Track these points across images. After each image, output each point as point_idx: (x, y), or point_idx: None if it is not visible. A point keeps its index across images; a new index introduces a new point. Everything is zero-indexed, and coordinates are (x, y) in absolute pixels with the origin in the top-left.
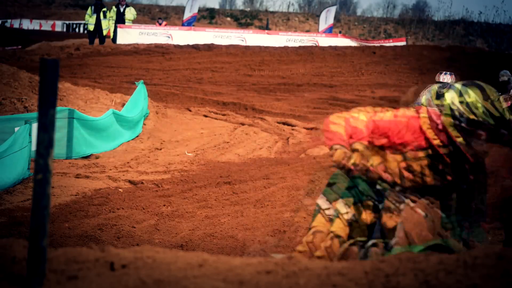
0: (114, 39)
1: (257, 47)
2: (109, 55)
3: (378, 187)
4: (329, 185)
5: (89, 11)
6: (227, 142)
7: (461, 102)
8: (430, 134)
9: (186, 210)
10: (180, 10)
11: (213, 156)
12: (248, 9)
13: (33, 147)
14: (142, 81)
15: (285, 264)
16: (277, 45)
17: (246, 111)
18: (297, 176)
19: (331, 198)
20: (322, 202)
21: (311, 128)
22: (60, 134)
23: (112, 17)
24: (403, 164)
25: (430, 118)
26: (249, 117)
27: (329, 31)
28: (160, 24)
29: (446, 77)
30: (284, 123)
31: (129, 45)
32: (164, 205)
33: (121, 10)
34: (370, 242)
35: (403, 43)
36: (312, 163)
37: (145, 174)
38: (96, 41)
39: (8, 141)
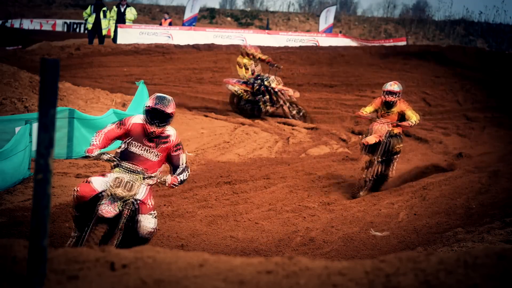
0: (114, 39)
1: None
2: (109, 55)
3: None
4: None
5: (88, 10)
6: (228, 142)
7: None
8: None
9: (186, 210)
10: (180, 10)
11: (214, 156)
12: (249, 9)
13: (34, 147)
14: (142, 81)
15: (285, 264)
16: (277, 45)
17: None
18: (297, 176)
19: None
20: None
21: (312, 128)
22: (60, 134)
23: (112, 17)
24: None
25: None
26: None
27: (329, 31)
28: (165, 20)
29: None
30: (284, 123)
31: (129, 45)
32: (164, 205)
33: (122, 10)
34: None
35: (404, 43)
36: (312, 163)
37: None
38: (96, 41)
39: (10, 142)
